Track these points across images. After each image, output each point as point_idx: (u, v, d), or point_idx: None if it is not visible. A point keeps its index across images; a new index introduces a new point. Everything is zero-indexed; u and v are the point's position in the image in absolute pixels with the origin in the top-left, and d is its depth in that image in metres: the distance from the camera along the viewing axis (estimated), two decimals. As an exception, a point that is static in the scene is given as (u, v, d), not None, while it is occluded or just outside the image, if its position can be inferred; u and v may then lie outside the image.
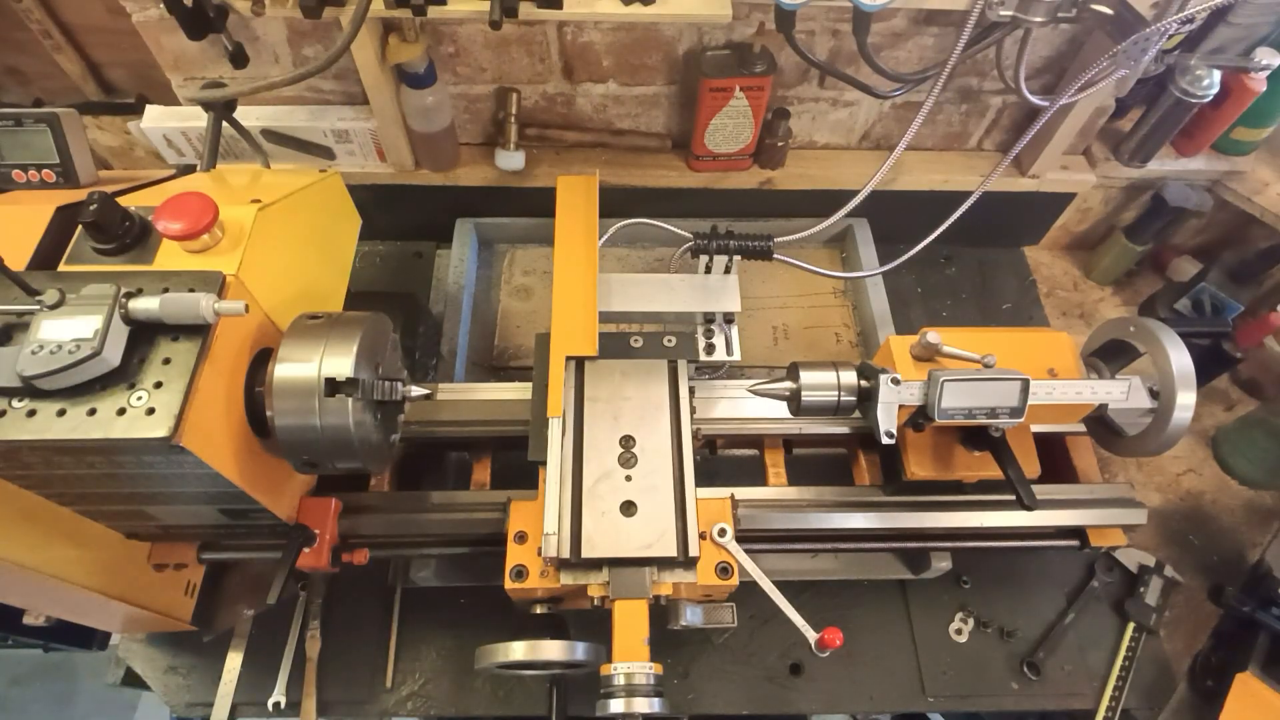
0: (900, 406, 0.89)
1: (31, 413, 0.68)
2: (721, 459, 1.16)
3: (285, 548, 0.91)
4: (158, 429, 0.68)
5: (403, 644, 1.15)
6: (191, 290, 0.73)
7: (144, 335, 0.72)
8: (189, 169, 1.07)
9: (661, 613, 0.89)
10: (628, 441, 0.93)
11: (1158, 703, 1.13)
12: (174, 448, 0.69)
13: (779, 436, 1.11)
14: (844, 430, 1.10)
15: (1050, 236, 1.61)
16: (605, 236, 1.16)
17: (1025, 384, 0.88)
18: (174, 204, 0.80)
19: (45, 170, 0.93)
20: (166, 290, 0.73)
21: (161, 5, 1.05)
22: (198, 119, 1.16)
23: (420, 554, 1.05)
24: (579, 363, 1.00)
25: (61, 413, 0.68)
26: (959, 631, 1.18)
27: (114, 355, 0.69)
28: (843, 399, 0.92)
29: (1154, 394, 0.95)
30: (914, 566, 1.19)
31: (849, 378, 0.92)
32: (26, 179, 0.93)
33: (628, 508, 0.88)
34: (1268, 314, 1.30)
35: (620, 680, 0.80)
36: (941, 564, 1.12)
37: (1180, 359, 0.93)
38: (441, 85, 1.24)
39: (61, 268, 0.81)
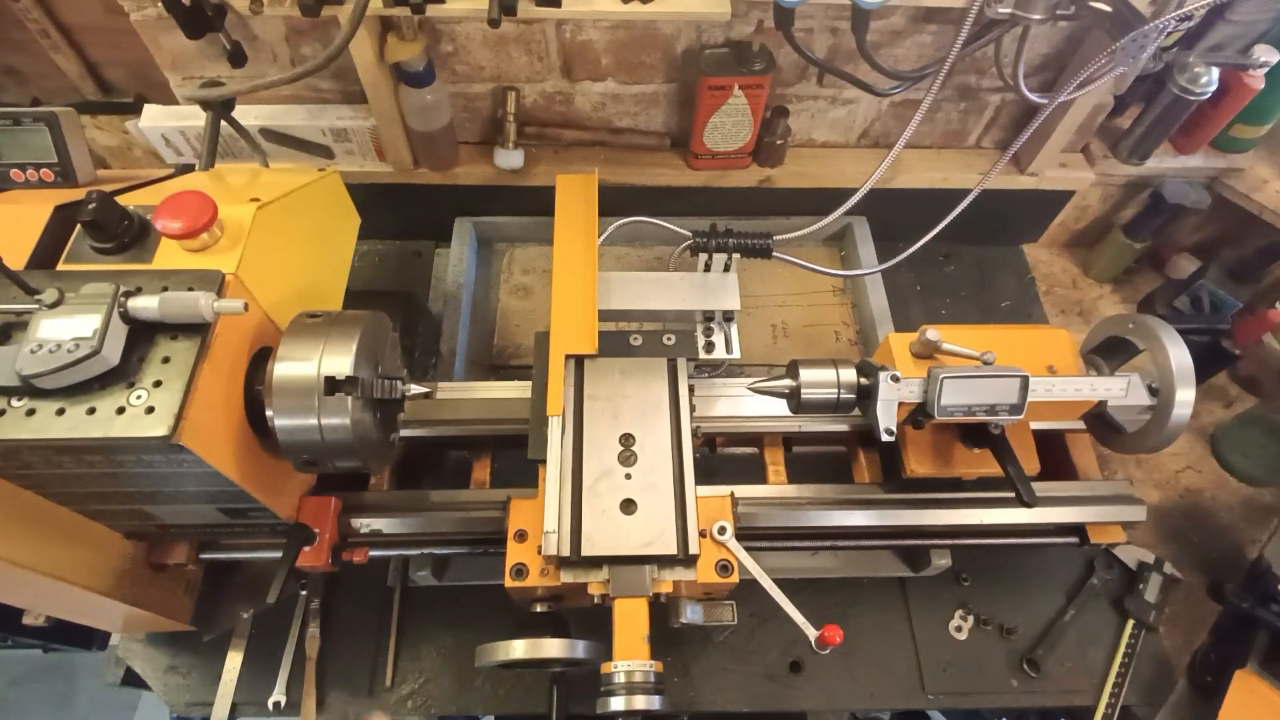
0: (900, 404, 0.89)
1: (31, 412, 0.68)
2: (721, 457, 1.16)
3: (285, 547, 0.91)
4: (157, 428, 0.68)
5: (403, 643, 1.15)
6: (190, 289, 0.73)
7: (143, 334, 0.72)
8: (187, 168, 1.07)
9: (662, 610, 0.89)
10: (627, 440, 0.93)
11: (1157, 699, 1.13)
12: (173, 446, 0.69)
13: (778, 434, 1.11)
14: (843, 428, 1.10)
15: (1049, 234, 1.61)
16: (604, 235, 1.16)
17: (1025, 381, 0.88)
18: (173, 203, 0.80)
19: (44, 169, 0.93)
20: (165, 289, 0.73)
21: (159, 4, 1.05)
22: (196, 118, 1.16)
23: (420, 553, 1.05)
24: (578, 361, 1.00)
25: (61, 412, 0.68)
26: (959, 629, 1.18)
27: (113, 354, 0.69)
28: (842, 396, 0.92)
29: (1153, 391, 0.95)
30: (914, 564, 1.19)
31: (848, 375, 0.92)
32: (25, 178, 0.93)
33: (628, 506, 0.88)
34: (1266, 311, 1.30)
35: (621, 678, 0.80)
36: (941, 561, 1.12)
37: (1179, 356, 0.93)
38: (440, 84, 1.24)
39: (60, 267, 0.81)
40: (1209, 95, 1.25)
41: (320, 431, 0.79)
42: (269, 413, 0.80)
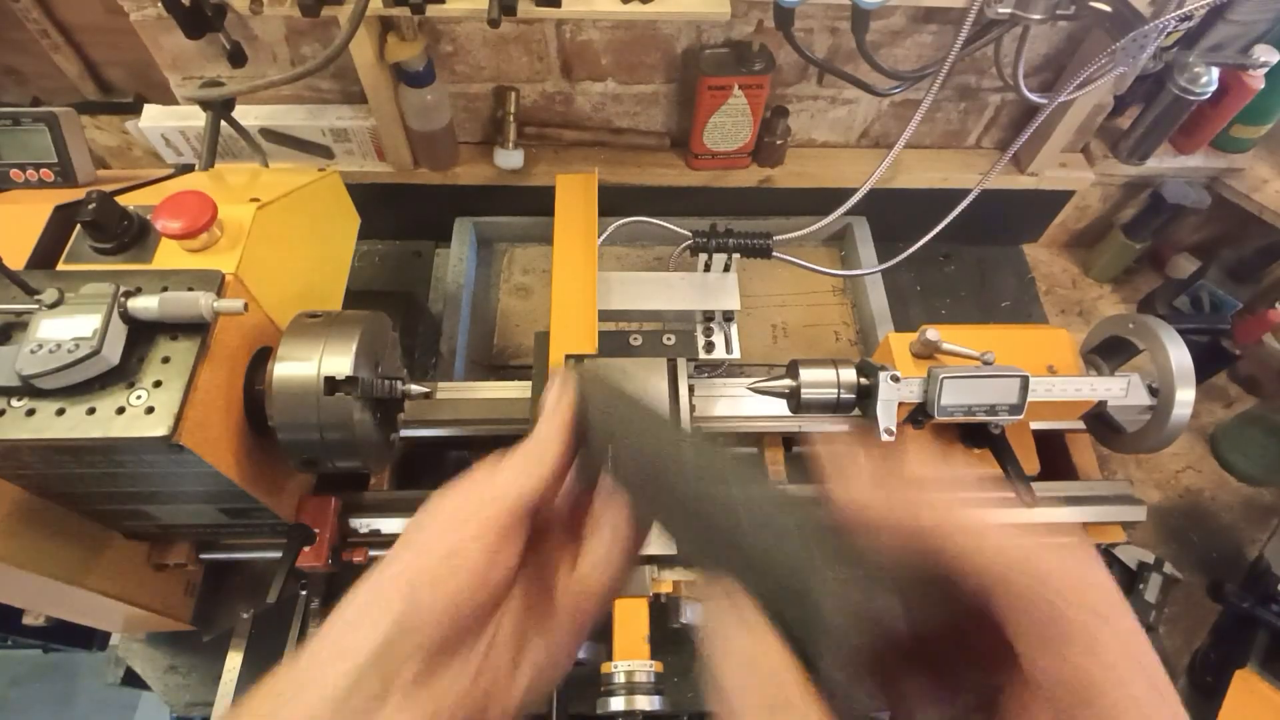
0: (900, 404, 0.89)
1: (30, 412, 0.68)
2: (721, 457, 1.16)
3: (285, 547, 0.91)
4: (157, 428, 0.68)
5: (403, 643, 1.15)
6: (190, 289, 0.73)
7: (143, 334, 0.72)
8: (187, 168, 1.07)
9: (662, 611, 0.89)
10: (627, 440, 0.93)
11: (1157, 699, 1.13)
12: (173, 446, 0.69)
13: (779, 434, 1.11)
14: (844, 428, 1.10)
15: (1049, 234, 1.62)
16: (604, 235, 1.16)
17: (1025, 381, 0.88)
18: (173, 203, 0.80)
19: (43, 169, 0.93)
20: (165, 289, 0.73)
21: (159, 4, 1.05)
22: (196, 118, 1.16)
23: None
24: (579, 361, 1.00)
25: (61, 412, 0.68)
26: (959, 629, 1.18)
27: (113, 354, 0.69)
28: (842, 396, 0.92)
29: (1153, 391, 0.95)
30: (914, 564, 1.19)
31: (848, 375, 0.92)
32: (25, 178, 0.93)
33: (628, 506, 0.88)
34: (1266, 311, 1.30)
35: (621, 678, 0.80)
36: (941, 561, 1.12)
37: (1179, 356, 0.93)
38: (440, 84, 1.24)
39: (60, 267, 0.80)
40: (1209, 95, 1.24)
41: (320, 431, 0.79)
42: (269, 413, 0.80)
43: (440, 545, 0.33)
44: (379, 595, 0.33)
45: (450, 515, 0.34)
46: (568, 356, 0.97)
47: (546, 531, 0.38)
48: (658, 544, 0.86)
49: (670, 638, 1.13)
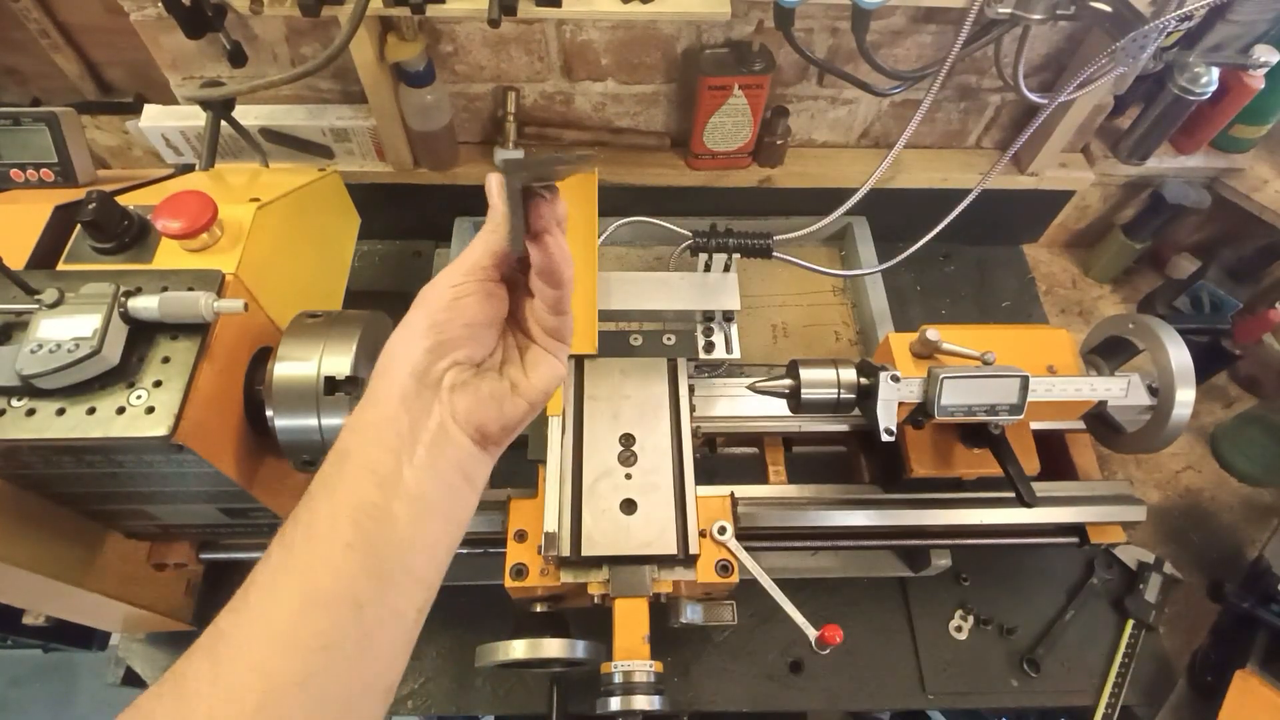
0: (900, 404, 0.89)
1: (31, 412, 0.68)
2: (721, 457, 1.16)
3: (285, 547, 0.91)
4: (157, 428, 0.68)
5: (403, 643, 1.15)
6: (190, 289, 0.74)
7: (143, 334, 0.72)
8: (188, 168, 1.07)
9: (662, 611, 0.89)
10: (627, 440, 0.94)
11: (1157, 699, 1.13)
12: (173, 446, 0.69)
13: (779, 434, 1.11)
14: (844, 428, 1.10)
15: (1049, 234, 1.62)
16: (604, 235, 1.16)
17: (1025, 381, 0.88)
18: (173, 202, 0.80)
19: (44, 169, 0.93)
20: (165, 289, 0.73)
21: (159, 4, 1.05)
22: (196, 118, 1.16)
23: (420, 553, 1.05)
24: (578, 361, 1.00)
25: (61, 412, 0.68)
26: (959, 629, 1.18)
27: (113, 354, 0.69)
28: (842, 396, 0.92)
29: (1153, 391, 0.95)
30: (914, 564, 1.19)
31: (849, 375, 0.92)
32: (25, 178, 0.93)
33: (628, 506, 0.88)
34: (1266, 311, 1.30)
35: (620, 678, 0.80)
36: (941, 561, 1.12)
37: (1179, 356, 0.93)
38: (440, 84, 1.24)
39: (60, 267, 0.81)
40: (1209, 95, 1.24)
41: (320, 432, 0.79)
42: (269, 413, 0.80)
43: (447, 293, 0.46)
44: (412, 331, 0.45)
45: (446, 277, 0.47)
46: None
47: (514, 288, 0.52)
48: (659, 544, 0.87)
49: (670, 638, 1.13)
